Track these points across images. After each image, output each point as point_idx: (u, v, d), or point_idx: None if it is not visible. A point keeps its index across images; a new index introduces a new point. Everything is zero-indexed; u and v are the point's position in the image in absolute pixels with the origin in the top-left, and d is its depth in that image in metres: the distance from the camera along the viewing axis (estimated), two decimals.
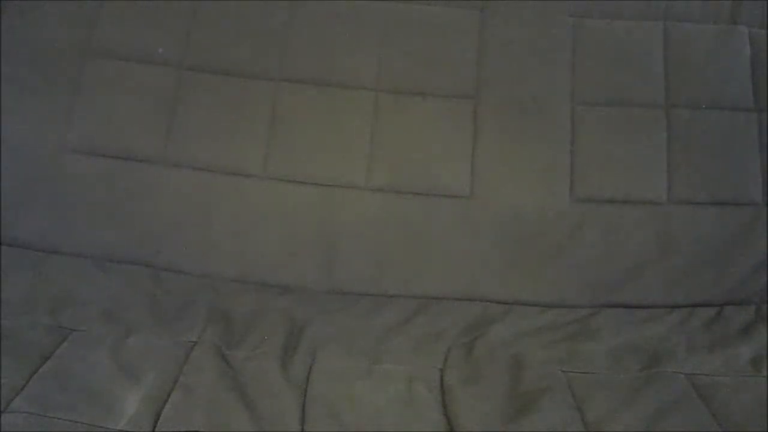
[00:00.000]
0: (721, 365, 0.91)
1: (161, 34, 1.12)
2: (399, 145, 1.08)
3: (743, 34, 1.13)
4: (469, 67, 1.11)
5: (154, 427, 0.76)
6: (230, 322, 0.95)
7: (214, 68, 1.10)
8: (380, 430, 0.79)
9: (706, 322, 1.00)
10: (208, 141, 1.08)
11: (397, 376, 0.87)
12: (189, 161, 1.07)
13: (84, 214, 1.06)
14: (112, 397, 0.79)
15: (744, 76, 1.11)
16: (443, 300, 1.03)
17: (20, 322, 0.90)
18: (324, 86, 1.10)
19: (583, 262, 1.05)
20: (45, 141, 1.07)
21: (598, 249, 1.05)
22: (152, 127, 1.08)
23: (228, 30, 1.12)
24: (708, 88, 1.11)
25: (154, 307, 0.96)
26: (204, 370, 0.84)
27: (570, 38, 1.12)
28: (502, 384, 0.86)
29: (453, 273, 1.05)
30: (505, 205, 1.06)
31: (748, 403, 0.84)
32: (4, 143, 1.07)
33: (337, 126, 1.09)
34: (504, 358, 0.91)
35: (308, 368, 0.87)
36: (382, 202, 1.06)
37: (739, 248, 1.06)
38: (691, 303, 1.04)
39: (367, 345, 0.93)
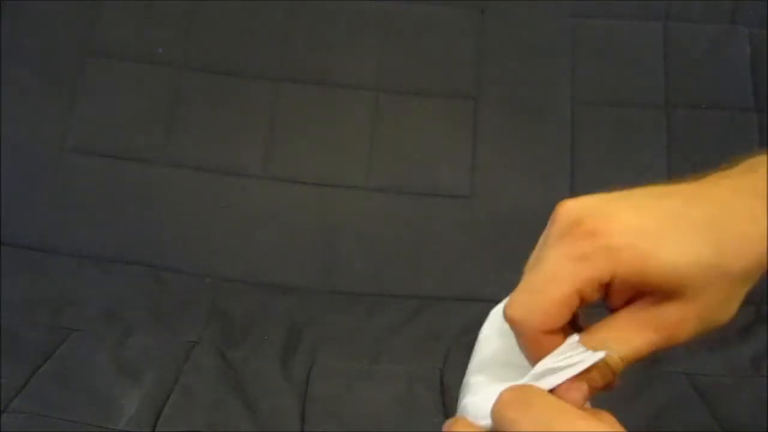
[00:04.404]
0: (721, 365, 0.91)
1: (161, 34, 1.12)
2: (399, 145, 1.08)
3: (743, 34, 1.13)
4: (469, 67, 1.11)
5: (154, 427, 0.76)
6: (230, 322, 0.95)
7: (214, 68, 1.10)
8: (380, 430, 0.79)
9: None
10: (208, 141, 1.08)
11: (397, 376, 0.87)
12: (189, 161, 1.07)
13: (84, 214, 1.06)
14: (112, 397, 0.79)
15: (744, 76, 1.12)
16: (443, 300, 1.03)
17: (20, 322, 0.90)
18: (324, 86, 1.10)
19: None
20: (45, 141, 1.07)
21: None
22: (152, 127, 1.08)
23: (228, 30, 1.12)
24: (708, 88, 1.11)
25: (154, 307, 0.96)
26: (204, 370, 0.84)
27: (570, 38, 1.12)
28: None
29: (453, 273, 1.05)
30: (505, 204, 1.06)
31: (748, 403, 0.84)
32: (4, 143, 1.07)
33: (337, 126, 1.09)
34: None
35: (308, 368, 0.87)
36: (382, 202, 1.06)
37: None
38: None
39: (367, 345, 0.93)
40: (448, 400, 0.83)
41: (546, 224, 0.40)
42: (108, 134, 1.08)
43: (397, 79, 1.10)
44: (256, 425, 0.77)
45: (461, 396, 0.38)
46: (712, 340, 0.96)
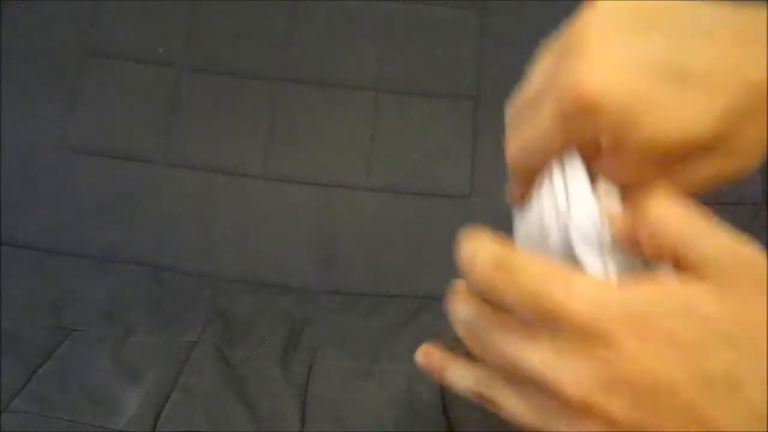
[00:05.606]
0: None
1: (161, 34, 1.12)
2: (399, 145, 1.08)
3: None
4: (469, 67, 1.11)
5: (154, 427, 0.76)
6: (230, 322, 0.95)
7: (214, 68, 1.11)
8: (380, 430, 0.79)
9: None
10: (208, 141, 1.08)
11: (397, 376, 0.87)
12: (189, 161, 1.07)
13: (84, 214, 1.06)
14: (112, 397, 0.79)
15: None
16: (443, 300, 1.02)
17: (20, 322, 0.90)
18: (324, 86, 1.10)
19: None
20: (45, 141, 1.07)
21: None
22: (152, 127, 1.08)
23: (228, 30, 1.12)
24: None
25: (154, 307, 0.96)
26: (204, 370, 0.84)
27: None
28: None
29: (453, 273, 1.05)
30: (505, 204, 1.06)
31: None
32: (4, 143, 1.07)
33: (337, 126, 1.09)
34: None
35: (308, 368, 0.88)
36: (382, 202, 1.06)
37: None
38: None
39: (367, 345, 0.93)
40: (448, 400, 0.83)
41: None
42: (108, 134, 1.08)
43: (397, 79, 1.10)
44: (256, 425, 0.77)
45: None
46: None
